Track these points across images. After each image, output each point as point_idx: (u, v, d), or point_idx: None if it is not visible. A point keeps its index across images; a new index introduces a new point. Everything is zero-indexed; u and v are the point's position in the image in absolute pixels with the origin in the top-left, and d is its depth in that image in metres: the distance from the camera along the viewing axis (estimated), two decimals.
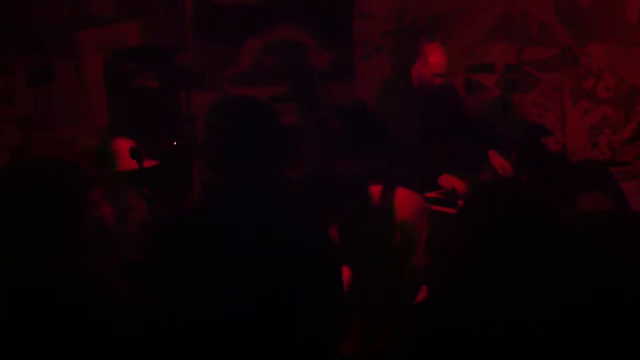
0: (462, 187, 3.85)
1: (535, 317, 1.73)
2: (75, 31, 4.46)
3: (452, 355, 1.78)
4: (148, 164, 3.02)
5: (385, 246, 2.86)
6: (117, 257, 2.82)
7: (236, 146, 1.94)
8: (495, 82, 4.59)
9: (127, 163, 3.01)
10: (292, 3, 5.08)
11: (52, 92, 4.37)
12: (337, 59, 5.24)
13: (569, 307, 1.75)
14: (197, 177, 4.30)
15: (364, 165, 3.52)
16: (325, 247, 1.98)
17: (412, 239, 2.91)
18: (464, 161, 4.02)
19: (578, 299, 1.77)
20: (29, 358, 1.86)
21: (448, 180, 3.90)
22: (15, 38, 4.27)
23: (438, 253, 2.84)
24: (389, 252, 2.87)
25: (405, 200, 2.92)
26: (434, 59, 4.07)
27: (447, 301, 1.82)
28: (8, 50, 4.26)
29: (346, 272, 2.70)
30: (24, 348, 1.87)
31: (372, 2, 5.24)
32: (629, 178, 4.54)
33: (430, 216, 3.33)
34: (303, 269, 1.90)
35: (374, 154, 2.92)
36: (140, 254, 2.06)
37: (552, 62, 4.79)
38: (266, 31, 5.07)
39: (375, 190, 2.91)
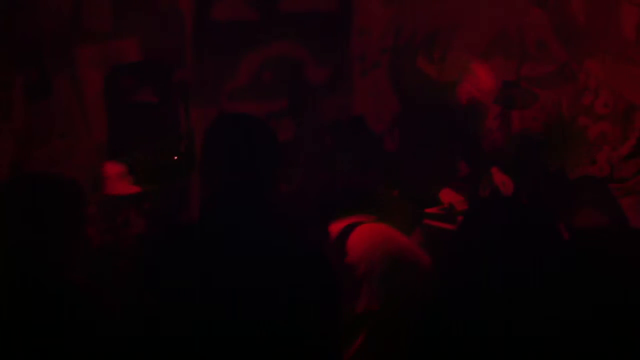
0: (461, 203, 3.85)
1: (533, 333, 1.74)
2: (73, 46, 4.46)
3: None
4: (135, 189, 3.03)
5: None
6: (112, 268, 2.82)
7: (234, 162, 1.99)
8: (494, 98, 4.60)
9: (116, 187, 3.01)
10: (290, 19, 5.10)
11: (50, 108, 4.37)
12: (335, 75, 5.25)
13: (567, 323, 1.76)
14: (195, 191, 4.30)
15: (357, 180, 3.52)
16: (320, 256, 2.02)
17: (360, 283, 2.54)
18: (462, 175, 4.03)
19: (576, 314, 1.78)
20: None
21: (448, 196, 3.90)
22: (13, 53, 4.28)
23: (437, 268, 2.82)
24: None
25: (360, 241, 2.60)
26: (489, 79, 4.08)
27: (446, 316, 1.82)
28: (6, 65, 4.27)
29: None
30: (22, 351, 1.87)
31: (369, 18, 5.26)
32: (627, 194, 4.54)
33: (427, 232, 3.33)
34: (293, 278, 1.93)
35: (367, 169, 2.87)
36: (136, 266, 2.07)
37: (550, 79, 4.81)
38: (265, 47, 5.09)
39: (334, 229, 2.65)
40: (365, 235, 2.60)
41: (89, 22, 4.54)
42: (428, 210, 3.74)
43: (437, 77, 5.01)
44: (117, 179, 3.11)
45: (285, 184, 4.52)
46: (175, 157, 3.78)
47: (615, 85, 4.62)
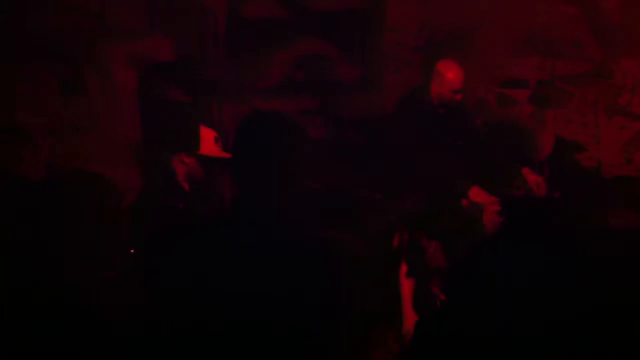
0: (494, 204, 3.79)
1: (565, 336, 1.72)
2: (107, 45, 4.51)
3: None
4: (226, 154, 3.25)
5: None
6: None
7: (266, 160, 1.98)
8: (527, 97, 4.56)
9: (210, 149, 3.28)
10: (321, 17, 5.10)
11: (84, 105, 4.42)
12: (366, 73, 5.24)
13: (600, 324, 1.75)
14: (226, 188, 4.32)
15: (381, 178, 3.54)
16: (340, 257, 2.02)
17: None
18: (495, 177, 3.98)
19: (610, 317, 1.76)
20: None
21: (477, 195, 3.83)
22: (48, 50, 4.33)
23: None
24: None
25: None
26: (451, 76, 3.98)
27: (470, 318, 1.81)
28: (39, 61, 4.32)
29: None
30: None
31: (401, 16, 5.24)
32: None
33: None
34: (318, 279, 1.94)
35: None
36: (167, 262, 2.09)
37: (585, 78, 4.76)
38: (296, 45, 5.09)
39: None
40: None
41: (122, 21, 4.59)
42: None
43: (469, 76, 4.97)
44: (211, 142, 3.32)
45: (315, 181, 4.53)
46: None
47: None
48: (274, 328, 1.86)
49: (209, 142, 3.32)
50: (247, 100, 4.86)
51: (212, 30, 4.84)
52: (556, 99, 4.54)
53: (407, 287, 3.91)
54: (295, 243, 1.95)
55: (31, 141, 3.34)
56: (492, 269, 1.83)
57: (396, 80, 5.25)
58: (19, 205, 2.09)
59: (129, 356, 1.93)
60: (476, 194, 3.84)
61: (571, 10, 4.84)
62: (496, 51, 4.93)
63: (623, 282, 1.86)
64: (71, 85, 4.36)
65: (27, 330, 1.89)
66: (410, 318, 3.78)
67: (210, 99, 4.50)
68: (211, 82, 4.58)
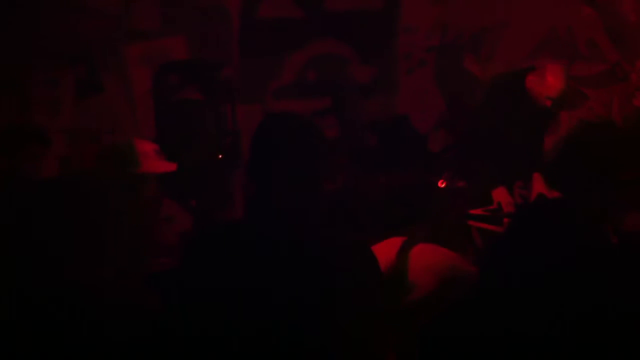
0: (510, 205, 3.76)
1: (573, 334, 1.72)
2: (122, 44, 4.53)
3: None
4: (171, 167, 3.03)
5: None
6: (151, 266, 2.85)
7: (282, 162, 1.97)
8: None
9: (151, 164, 3.02)
10: (335, 17, 5.10)
11: (99, 105, 4.44)
12: (380, 73, 5.24)
13: (613, 326, 1.74)
14: (240, 189, 4.33)
15: (397, 179, 3.48)
16: (362, 262, 1.99)
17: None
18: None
19: (623, 320, 1.75)
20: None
21: (499, 195, 3.78)
22: (64, 51, 4.36)
23: (483, 269, 2.80)
24: None
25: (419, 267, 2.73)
26: (553, 82, 3.88)
27: (488, 319, 1.81)
28: (56, 62, 4.35)
29: None
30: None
31: (415, 16, 5.23)
32: None
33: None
34: (336, 283, 1.91)
35: (408, 168, 2.85)
36: (179, 263, 2.09)
37: (600, 79, 4.73)
38: (310, 45, 5.09)
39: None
40: (422, 260, 2.72)
41: (137, 21, 4.61)
42: (472, 212, 3.68)
43: (483, 76, 4.95)
44: (153, 156, 3.09)
45: (329, 182, 4.53)
46: (220, 156, 3.79)
47: None
48: (285, 329, 1.86)
49: (149, 157, 3.09)
50: (260, 99, 4.87)
51: (226, 30, 4.85)
52: (570, 100, 4.51)
53: None
54: (312, 244, 1.93)
55: (47, 142, 3.35)
56: (497, 269, 1.83)
57: (409, 81, 5.25)
58: (33, 205, 2.09)
59: (129, 356, 1.93)
60: (498, 194, 3.79)
61: (586, 11, 4.81)
62: (510, 52, 4.91)
63: (631, 282, 1.86)
64: (87, 85, 4.39)
65: (28, 331, 1.90)
66: None
67: (224, 99, 4.51)
68: (224, 82, 4.59)
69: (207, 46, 4.73)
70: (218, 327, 1.88)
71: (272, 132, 2.03)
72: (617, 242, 2.83)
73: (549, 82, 3.88)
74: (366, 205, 4.36)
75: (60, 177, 3.28)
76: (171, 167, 3.08)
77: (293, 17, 5.02)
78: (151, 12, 4.62)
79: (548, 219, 1.86)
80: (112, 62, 4.47)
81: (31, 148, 3.33)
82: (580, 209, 1.86)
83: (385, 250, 2.67)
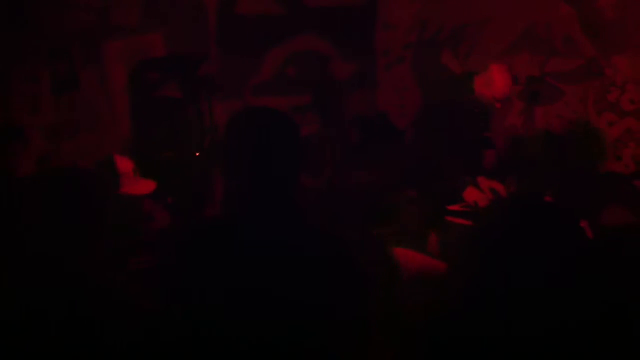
0: (484, 202, 3.81)
1: (552, 333, 1.73)
2: (100, 41, 4.51)
3: None
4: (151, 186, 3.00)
5: None
6: (133, 264, 2.84)
7: (257, 156, 1.94)
8: (517, 93, 4.57)
9: (129, 186, 2.98)
10: (314, 14, 5.10)
11: (77, 101, 4.42)
12: (359, 70, 5.25)
13: (589, 324, 1.75)
14: (219, 186, 4.32)
15: (378, 175, 3.47)
16: (346, 256, 1.97)
17: None
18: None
19: (600, 314, 1.76)
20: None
21: (472, 194, 3.84)
22: (42, 47, 4.33)
23: (456, 267, 2.82)
24: None
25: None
26: (501, 83, 3.92)
27: (463, 316, 1.82)
28: (34, 59, 4.32)
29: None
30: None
31: (394, 13, 5.25)
32: None
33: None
34: (321, 278, 1.90)
35: (389, 164, 2.86)
36: (161, 260, 2.07)
37: (576, 74, 4.77)
38: (289, 42, 5.10)
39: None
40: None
41: (116, 17, 4.59)
42: (451, 208, 3.70)
43: (460, 72, 4.98)
44: (131, 177, 2.99)
45: (310, 178, 4.53)
46: (197, 154, 3.76)
47: None
48: (276, 328, 1.85)
49: (127, 176, 2.94)
50: (239, 96, 4.87)
51: (204, 26, 4.84)
52: (546, 95, 4.54)
53: None
54: (290, 241, 1.91)
55: (26, 139, 3.33)
56: (492, 269, 1.82)
57: (388, 77, 5.27)
58: (14, 203, 2.08)
59: (130, 356, 1.92)
60: (469, 194, 3.85)
61: (564, 8, 4.85)
62: (489, 48, 4.94)
63: (617, 279, 1.87)
64: (65, 82, 4.37)
65: (30, 330, 1.89)
66: None
67: (202, 95, 4.50)
68: (203, 78, 4.58)
69: (185, 43, 4.71)
70: (203, 325, 1.86)
71: (243, 125, 1.97)
72: (594, 237, 2.86)
73: (495, 84, 3.92)
74: (346, 201, 4.37)
75: (40, 174, 3.24)
76: (150, 187, 3.02)
77: (272, 13, 5.02)
78: (130, 9, 4.61)
79: (525, 215, 1.87)
80: (91, 59, 4.45)
81: (10, 146, 3.30)
82: (557, 203, 1.86)
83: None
